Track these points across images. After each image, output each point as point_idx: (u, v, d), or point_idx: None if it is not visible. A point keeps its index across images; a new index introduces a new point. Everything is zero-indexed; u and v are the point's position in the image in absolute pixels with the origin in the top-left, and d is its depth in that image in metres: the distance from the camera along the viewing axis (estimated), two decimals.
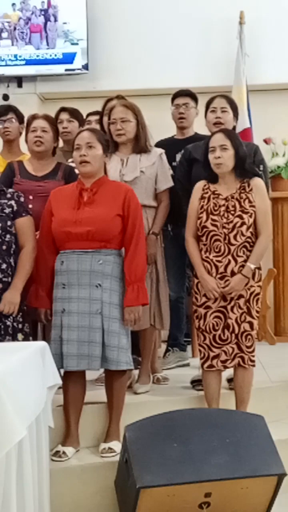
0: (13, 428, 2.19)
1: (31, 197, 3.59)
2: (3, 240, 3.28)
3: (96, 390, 3.68)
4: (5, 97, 6.36)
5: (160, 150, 3.87)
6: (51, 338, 3.30)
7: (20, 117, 4.48)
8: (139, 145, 3.76)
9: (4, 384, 2.18)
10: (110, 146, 3.70)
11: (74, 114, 4.59)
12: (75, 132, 4.42)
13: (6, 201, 3.36)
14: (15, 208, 3.36)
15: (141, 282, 3.32)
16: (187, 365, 4.54)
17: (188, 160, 3.91)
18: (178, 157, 4.14)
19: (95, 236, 3.26)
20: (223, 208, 3.46)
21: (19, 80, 6.46)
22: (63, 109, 4.59)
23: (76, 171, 3.79)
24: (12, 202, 3.37)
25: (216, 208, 3.47)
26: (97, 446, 3.38)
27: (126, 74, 6.27)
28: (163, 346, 4.69)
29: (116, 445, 3.29)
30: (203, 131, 4.10)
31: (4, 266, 3.26)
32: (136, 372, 3.90)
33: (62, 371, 3.27)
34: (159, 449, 2.89)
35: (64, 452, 3.25)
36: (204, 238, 3.48)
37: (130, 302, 3.28)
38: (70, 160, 3.88)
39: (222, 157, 3.44)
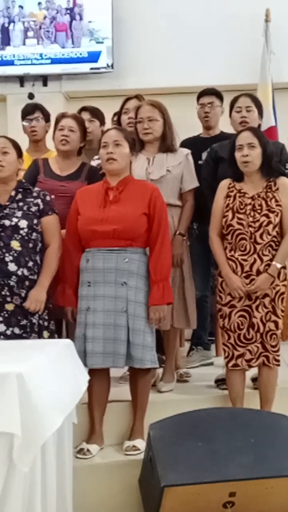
0: (43, 425, 2.20)
1: (53, 197, 3.60)
2: (30, 238, 3.30)
3: (120, 388, 3.68)
4: (31, 96, 6.40)
5: (187, 151, 3.86)
6: (75, 336, 3.31)
7: (46, 115, 4.50)
8: (166, 144, 3.76)
9: (30, 381, 2.19)
10: (136, 145, 3.70)
11: (95, 113, 4.60)
12: (96, 131, 4.45)
13: (32, 199, 3.38)
14: (41, 206, 3.38)
15: (166, 281, 3.32)
16: (211, 364, 4.53)
17: (214, 158, 3.90)
18: (204, 155, 4.13)
19: (121, 234, 3.27)
20: (249, 207, 3.45)
21: (44, 79, 6.50)
22: (83, 109, 4.59)
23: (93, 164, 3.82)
24: (39, 201, 3.38)
25: (242, 207, 3.46)
26: (121, 444, 3.39)
27: (151, 72, 6.28)
28: (187, 345, 4.68)
29: (140, 443, 3.29)
30: (229, 129, 4.09)
31: (30, 263, 3.28)
32: (160, 370, 3.90)
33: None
34: (183, 447, 2.89)
35: (88, 450, 3.27)
36: (229, 237, 3.47)
37: (155, 301, 3.28)
38: (96, 157, 3.89)
39: (250, 155, 3.42)
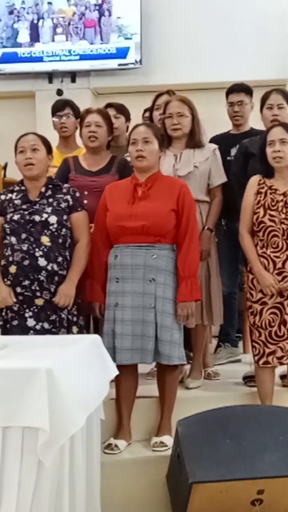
0: (70, 420, 2.22)
1: (86, 193, 3.61)
2: (59, 234, 3.31)
3: (147, 385, 3.68)
4: (59, 92, 6.42)
5: (214, 146, 3.85)
6: (104, 332, 3.32)
7: (76, 112, 4.50)
8: (194, 140, 3.75)
9: (58, 377, 2.20)
10: (164, 140, 3.69)
11: (120, 109, 4.60)
12: (121, 127, 4.45)
13: (62, 195, 3.39)
14: (70, 202, 3.39)
15: (194, 277, 3.32)
16: (239, 361, 4.52)
17: (244, 154, 3.88)
18: (233, 152, 4.11)
19: (150, 230, 3.26)
20: (281, 204, 3.42)
21: (73, 75, 6.53)
22: (109, 105, 4.60)
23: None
24: (68, 197, 3.39)
25: (273, 204, 3.43)
26: (149, 440, 3.39)
27: (179, 68, 6.27)
28: (214, 342, 4.67)
29: (168, 440, 3.29)
30: (258, 124, 4.06)
31: (60, 259, 3.29)
32: (187, 367, 3.90)
33: None
34: (212, 444, 2.88)
35: (116, 445, 3.28)
36: (260, 234, 3.45)
37: (183, 298, 3.28)
38: (126, 155, 3.89)
39: (282, 151, 3.39)
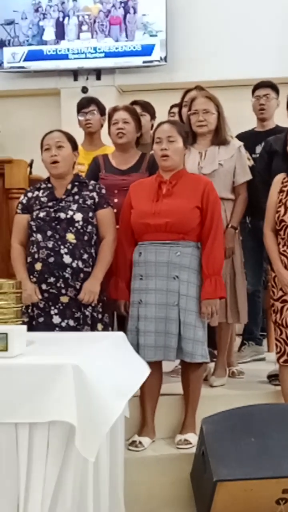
0: (102, 414, 2.23)
1: (116, 192, 3.61)
2: (85, 231, 3.32)
3: (171, 383, 3.68)
4: (84, 90, 6.44)
5: (239, 143, 3.83)
6: (128, 329, 3.33)
7: (101, 109, 4.51)
8: (219, 137, 3.73)
9: (85, 373, 2.21)
10: (189, 137, 3.67)
11: (146, 107, 4.60)
12: (146, 125, 4.44)
13: (88, 192, 3.40)
14: (96, 199, 3.39)
15: (218, 275, 3.31)
16: (263, 359, 4.50)
17: (269, 152, 3.85)
18: (258, 149, 4.09)
19: (174, 228, 3.26)
20: None
21: (98, 73, 6.53)
22: (134, 103, 4.60)
23: None
24: (94, 194, 3.40)
25: None
26: (173, 437, 3.39)
27: (204, 65, 6.25)
28: (238, 340, 4.65)
29: (192, 437, 3.29)
30: (284, 121, 4.04)
31: (85, 256, 3.30)
32: (211, 365, 3.89)
33: None
34: (236, 443, 2.87)
35: (140, 442, 3.28)
36: (282, 232, 3.42)
37: (207, 295, 3.27)
38: (150, 152, 3.88)
39: None
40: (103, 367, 2.44)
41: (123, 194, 3.53)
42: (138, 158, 3.83)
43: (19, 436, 2.18)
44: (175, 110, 4.35)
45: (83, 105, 4.56)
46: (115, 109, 3.86)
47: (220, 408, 3.11)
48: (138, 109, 4.45)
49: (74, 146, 3.45)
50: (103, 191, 3.44)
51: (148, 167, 3.77)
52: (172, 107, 4.48)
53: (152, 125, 4.69)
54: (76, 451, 2.17)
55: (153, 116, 4.65)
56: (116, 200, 3.53)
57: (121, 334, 2.97)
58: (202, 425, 2.99)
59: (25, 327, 2.46)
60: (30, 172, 4.04)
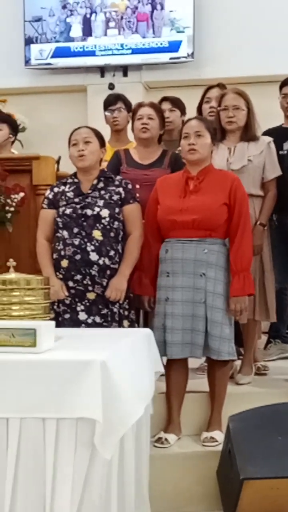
0: (127, 411, 2.23)
1: (137, 186, 3.60)
2: (111, 227, 3.31)
3: (197, 379, 3.68)
4: (111, 86, 6.43)
5: (269, 139, 3.80)
6: (154, 326, 3.32)
7: (128, 106, 4.51)
8: (248, 133, 3.71)
9: (112, 369, 2.21)
10: (217, 134, 3.66)
11: (176, 103, 4.58)
12: (176, 121, 4.43)
13: (114, 188, 3.40)
14: (123, 195, 3.39)
15: (247, 271, 3.29)
16: None
17: None
18: (286, 146, 4.05)
19: (201, 224, 3.25)
20: None
21: (124, 69, 6.53)
22: (165, 99, 4.58)
23: None
24: (120, 189, 3.40)
25: None
26: (198, 435, 3.38)
27: (231, 61, 6.22)
28: (263, 338, 4.63)
29: (218, 435, 3.28)
30: None
31: (112, 253, 3.29)
32: (238, 362, 3.87)
33: (163, 358, 3.29)
34: (263, 441, 2.86)
35: (166, 439, 3.27)
36: None
37: (236, 292, 3.25)
38: (178, 149, 3.87)
39: None
40: (128, 365, 2.44)
41: (144, 189, 3.52)
42: (160, 153, 3.82)
43: (47, 431, 2.19)
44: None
45: (110, 102, 4.57)
46: (140, 105, 3.87)
47: (246, 406, 3.10)
48: (168, 105, 4.46)
49: (102, 143, 3.45)
50: (130, 186, 3.43)
51: (170, 163, 3.76)
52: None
53: (182, 121, 4.68)
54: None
55: (183, 112, 4.63)
56: (137, 195, 3.53)
57: (147, 331, 2.97)
58: (228, 423, 2.99)
59: (53, 323, 2.48)
60: (58, 169, 4.06)
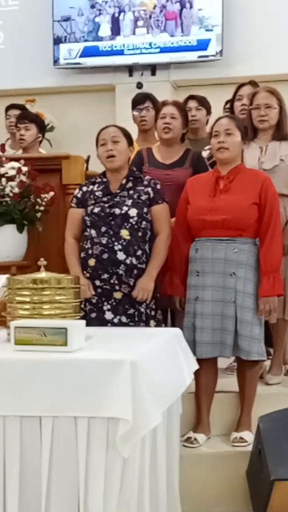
0: (150, 413, 2.22)
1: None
2: (139, 227, 3.31)
3: (226, 379, 3.67)
4: (139, 85, 6.43)
5: None
6: (184, 325, 3.31)
7: (156, 105, 4.50)
8: (280, 132, 3.68)
9: (142, 369, 2.21)
10: (249, 133, 3.64)
11: (202, 102, 4.57)
12: (202, 120, 4.42)
13: (142, 188, 3.39)
14: (151, 195, 3.38)
15: (276, 272, 3.26)
16: None
17: None
18: None
19: (231, 224, 3.23)
20: None
21: (153, 68, 6.52)
22: (191, 97, 4.57)
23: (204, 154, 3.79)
24: (149, 189, 3.39)
25: None
26: (228, 435, 3.37)
27: (260, 59, 6.19)
28: None
29: (248, 435, 3.27)
30: None
31: (139, 252, 3.29)
32: (267, 362, 3.85)
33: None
34: None
35: (195, 439, 3.27)
36: None
37: (265, 292, 3.23)
38: (207, 147, 3.87)
39: None
40: (157, 365, 2.44)
41: (166, 189, 3.50)
42: (183, 153, 3.81)
43: (78, 430, 2.20)
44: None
45: (138, 102, 4.57)
46: (164, 103, 3.87)
47: (276, 406, 3.09)
48: (194, 103, 4.45)
49: (130, 142, 3.45)
50: (158, 186, 3.43)
51: (193, 162, 3.75)
52: (227, 102, 4.45)
53: (207, 121, 4.67)
54: (135, 446, 2.17)
55: (208, 112, 4.62)
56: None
57: (177, 330, 2.96)
58: (259, 423, 2.97)
59: (83, 322, 2.48)
60: (87, 168, 4.07)
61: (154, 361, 2.41)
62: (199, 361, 3.28)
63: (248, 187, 3.29)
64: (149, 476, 2.39)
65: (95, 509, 2.17)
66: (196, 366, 2.98)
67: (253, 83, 3.98)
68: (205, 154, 3.91)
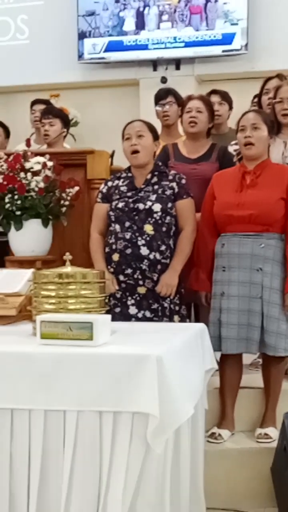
0: (178, 408, 2.22)
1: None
2: (163, 222, 3.30)
3: (250, 375, 3.65)
4: (163, 80, 6.41)
5: None
6: (210, 321, 3.29)
7: (179, 100, 4.49)
8: None
9: (168, 364, 2.20)
10: (274, 127, 3.61)
11: (225, 96, 4.55)
12: (224, 115, 4.39)
13: (167, 183, 3.38)
14: (176, 190, 3.37)
15: None
16: None
17: None
18: None
19: (258, 219, 3.21)
20: None
21: (177, 63, 6.50)
22: (213, 92, 4.55)
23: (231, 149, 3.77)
24: (174, 184, 3.38)
25: None
26: (252, 431, 3.36)
27: (286, 53, 6.13)
28: None
29: (273, 432, 3.25)
30: None
31: (163, 247, 3.28)
32: None
33: (217, 353, 3.26)
34: None
35: (220, 435, 3.26)
36: None
37: None
38: (233, 142, 3.84)
39: None
40: (183, 360, 2.43)
41: (192, 183, 3.49)
42: (209, 147, 3.80)
43: (103, 425, 2.21)
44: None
45: (161, 97, 4.56)
46: (189, 98, 3.86)
47: None
48: (217, 98, 4.42)
49: (155, 136, 3.44)
50: (183, 181, 3.41)
51: (219, 157, 3.73)
52: (255, 97, 4.41)
53: (229, 115, 4.65)
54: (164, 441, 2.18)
55: (231, 107, 4.59)
56: None
57: (201, 326, 2.94)
58: (284, 420, 2.95)
59: (109, 316, 2.48)
60: (111, 163, 4.07)
61: (179, 356, 2.41)
62: (224, 356, 3.28)
63: (275, 182, 3.26)
64: (171, 471, 2.38)
65: (116, 503, 2.17)
66: (214, 364, 2.95)
67: (280, 77, 3.94)
68: (231, 148, 3.88)
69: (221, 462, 3.15)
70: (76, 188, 3.66)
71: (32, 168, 3.55)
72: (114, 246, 3.30)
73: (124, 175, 3.46)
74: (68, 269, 2.62)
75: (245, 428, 3.41)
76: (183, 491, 2.53)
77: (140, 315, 3.29)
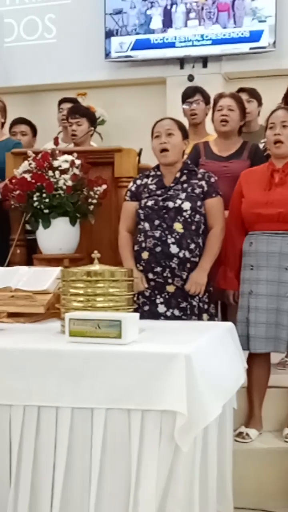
0: (207, 406, 2.21)
1: (217, 178, 3.57)
2: (192, 220, 3.30)
3: (278, 375, 3.62)
4: (190, 78, 6.39)
5: None
6: (238, 320, 3.27)
7: (206, 98, 4.49)
8: None
9: (196, 362, 2.20)
10: None
11: (253, 94, 4.52)
12: (254, 112, 4.36)
13: (196, 181, 3.38)
14: (205, 188, 3.36)
15: None
16: None
17: None
18: None
19: (286, 217, 3.18)
20: None
21: (204, 61, 6.46)
22: (241, 89, 4.53)
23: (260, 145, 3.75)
24: (203, 183, 3.37)
25: None
26: (280, 430, 3.34)
27: None
28: None
29: None
30: None
31: (192, 246, 3.28)
32: None
33: (245, 352, 3.24)
34: None
35: (247, 434, 3.25)
36: None
37: None
38: (262, 140, 3.82)
39: None
40: (211, 359, 2.42)
41: (224, 181, 3.48)
42: (240, 145, 3.78)
43: (132, 423, 2.20)
44: None
45: (188, 95, 4.55)
46: (221, 96, 3.85)
47: None
48: (245, 96, 4.40)
49: (185, 135, 3.44)
50: (213, 179, 3.41)
51: (250, 155, 3.72)
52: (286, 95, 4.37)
53: (259, 112, 4.61)
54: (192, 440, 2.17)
55: (259, 104, 4.57)
56: None
57: (229, 325, 2.93)
58: None
59: (137, 314, 2.48)
60: (139, 161, 4.06)
61: (208, 354, 2.40)
62: (252, 356, 3.26)
63: None
64: (200, 470, 2.37)
65: (146, 502, 2.17)
66: (245, 364, 2.94)
67: None
68: (261, 146, 3.87)
69: (249, 462, 3.14)
70: (104, 186, 3.67)
71: (60, 166, 3.57)
72: (143, 244, 3.30)
73: (153, 173, 3.46)
74: (96, 267, 2.62)
75: (272, 428, 3.39)
76: (210, 490, 2.53)
77: (168, 313, 3.29)
